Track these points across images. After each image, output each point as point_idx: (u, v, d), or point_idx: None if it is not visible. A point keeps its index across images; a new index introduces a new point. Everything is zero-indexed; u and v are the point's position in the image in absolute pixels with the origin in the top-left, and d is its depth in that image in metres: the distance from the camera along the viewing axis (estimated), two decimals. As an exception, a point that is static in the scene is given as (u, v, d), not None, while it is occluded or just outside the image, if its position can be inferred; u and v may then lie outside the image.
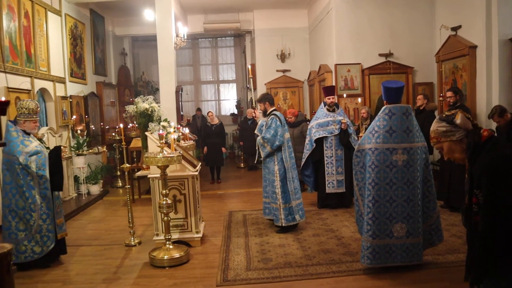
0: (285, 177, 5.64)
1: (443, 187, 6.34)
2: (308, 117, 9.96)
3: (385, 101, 4.32)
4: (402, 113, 4.14)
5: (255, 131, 5.98)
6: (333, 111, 6.82)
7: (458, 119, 2.32)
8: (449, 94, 6.24)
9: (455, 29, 7.47)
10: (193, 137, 7.08)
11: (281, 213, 5.59)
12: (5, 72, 6.24)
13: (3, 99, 1.99)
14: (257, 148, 5.82)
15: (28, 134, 4.65)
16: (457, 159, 2.40)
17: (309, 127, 6.97)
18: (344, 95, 7.76)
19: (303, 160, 6.90)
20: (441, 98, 7.67)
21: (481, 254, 2.12)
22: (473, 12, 6.93)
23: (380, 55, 8.80)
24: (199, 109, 13.76)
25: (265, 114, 5.85)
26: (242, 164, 12.14)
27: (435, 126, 2.41)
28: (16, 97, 6.47)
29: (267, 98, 5.89)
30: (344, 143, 6.66)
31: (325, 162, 6.75)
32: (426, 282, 3.97)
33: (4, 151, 4.58)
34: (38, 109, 4.69)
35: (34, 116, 4.63)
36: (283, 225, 5.59)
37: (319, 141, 6.76)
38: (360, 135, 5.11)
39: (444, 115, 2.41)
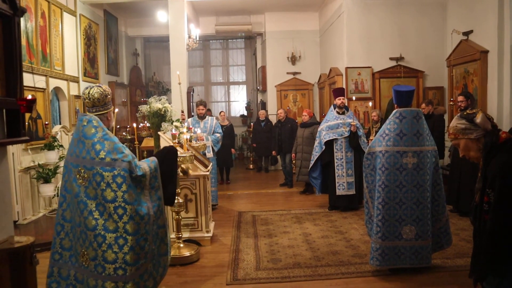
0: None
1: (452, 191, 6.35)
2: (318, 119, 9.98)
3: (395, 105, 4.38)
4: (413, 116, 4.18)
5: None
6: (343, 113, 6.87)
7: (478, 118, 2.35)
8: (460, 98, 6.24)
9: (466, 33, 7.46)
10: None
11: None
12: (21, 70, 6.36)
13: (29, 97, 2.06)
14: (211, 145, 7.29)
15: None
16: (472, 157, 2.43)
17: (319, 129, 7.01)
18: (354, 98, 7.73)
19: (312, 162, 6.94)
20: (451, 103, 7.66)
21: (486, 252, 2.17)
22: (485, 17, 6.92)
23: (391, 58, 8.80)
24: (209, 110, 13.83)
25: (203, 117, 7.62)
26: (251, 166, 12.19)
27: (455, 122, 2.44)
28: (31, 95, 6.59)
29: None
30: (354, 146, 6.70)
31: (335, 165, 6.78)
32: (435, 285, 3.99)
33: (81, 156, 3.01)
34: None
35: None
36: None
37: (329, 144, 6.80)
38: (371, 138, 5.15)
39: (465, 113, 2.44)
